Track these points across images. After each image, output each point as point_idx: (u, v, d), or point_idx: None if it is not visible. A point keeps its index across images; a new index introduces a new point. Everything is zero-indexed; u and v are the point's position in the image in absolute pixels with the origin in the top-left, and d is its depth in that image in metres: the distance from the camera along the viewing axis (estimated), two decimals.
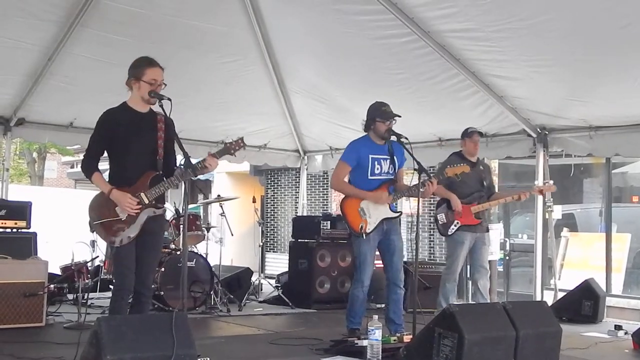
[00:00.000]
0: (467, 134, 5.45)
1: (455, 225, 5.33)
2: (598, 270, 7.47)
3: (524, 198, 5.46)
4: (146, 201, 3.45)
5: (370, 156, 4.59)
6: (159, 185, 3.48)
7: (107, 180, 3.52)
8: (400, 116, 4.58)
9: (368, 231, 4.50)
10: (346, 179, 4.73)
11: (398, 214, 4.67)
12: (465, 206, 5.31)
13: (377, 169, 4.59)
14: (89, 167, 3.51)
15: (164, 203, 3.63)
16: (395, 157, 4.64)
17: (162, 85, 3.53)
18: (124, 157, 3.51)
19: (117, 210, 3.43)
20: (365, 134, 4.72)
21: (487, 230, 5.53)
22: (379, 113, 4.59)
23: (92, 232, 3.65)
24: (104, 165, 3.54)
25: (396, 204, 4.72)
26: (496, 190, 5.96)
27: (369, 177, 4.58)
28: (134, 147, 3.49)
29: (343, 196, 4.74)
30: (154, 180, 3.49)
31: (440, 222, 5.44)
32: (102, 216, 3.45)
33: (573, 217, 8.60)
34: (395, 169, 4.65)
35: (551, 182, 5.67)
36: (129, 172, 3.49)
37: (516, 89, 5.72)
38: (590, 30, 4.58)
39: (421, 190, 4.48)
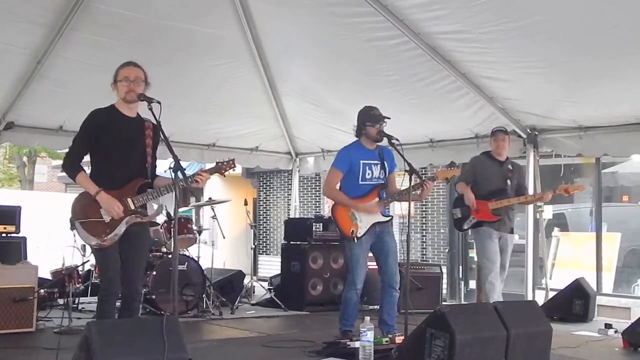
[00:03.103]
0: (492, 133, 5.54)
1: (470, 221, 5.36)
2: (589, 270, 7.51)
3: (547, 198, 5.38)
4: (132, 207, 3.45)
5: (362, 161, 4.61)
6: (147, 193, 3.49)
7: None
8: (389, 118, 4.60)
9: (359, 235, 4.53)
10: (338, 184, 4.75)
11: (389, 218, 4.68)
12: (483, 202, 5.32)
13: (368, 174, 4.62)
14: (73, 166, 3.46)
15: (147, 209, 3.62)
16: (385, 162, 4.67)
17: (138, 83, 3.47)
18: (109, 159, 3.48)
19: (102, 212, 3.41)
20: (356, 138, 4.74)
21: (512, 232, 5.45)
22: (368, 117, 4.61)
23: (72, 230, 3.62)
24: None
25: (388, 208, 4.74)
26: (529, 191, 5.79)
27: (360, 182, 4.61)
28: (120, 151, 3.47)
29: None
30: (142, 188, 3.50)
31: (455, 217, 5.51)
32: (85, 216, 3.42)
33: (564, 217, 8.65)
34: (386, 174, 4.67)
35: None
36: (115, 175, 3.46)
37: (506, 90, 5.75)
38: (579, 32, 4.61)
39: (417, 192, 4.52)
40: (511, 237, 5.46)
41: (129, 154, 3.49)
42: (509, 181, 5.40)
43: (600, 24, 4.46)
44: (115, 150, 3.47)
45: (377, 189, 4.64)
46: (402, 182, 4.61)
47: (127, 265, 3.50)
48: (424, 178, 4.51)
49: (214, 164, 3.76)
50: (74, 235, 3.82)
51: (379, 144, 4.69)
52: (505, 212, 5.35)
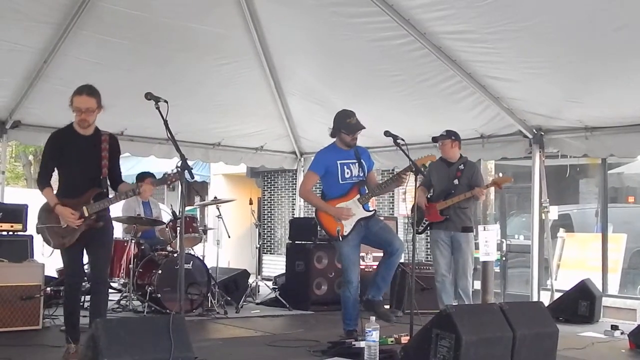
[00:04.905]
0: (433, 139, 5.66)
1: (423, 223, 5.51)
2: (594, 271, 7.48)
3: (480, 195, 5.31)
4: (86, 214, 3.80)
5: (339, 162, 4.69)
6: (101, 201, 3.84)
7: (57, 189, 3.91)
8: (364, 127, 4.65)
9: (345, 234, 4.59)
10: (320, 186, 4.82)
11: (372, 212, 4.74)
12: (432, 204, 5.45)
13: (347, 173, 4.70)
14: (42, 183, 3.93)
15: (105, 216, 3.98)
16: (362, 161, 4.75)
17: (89, 113, 3.79)
18: (69, 174, 3.90)
19: (61, 219, 3.81)
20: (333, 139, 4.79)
21: (466, 230, 5.39)
22: (343, 125, 4.69)
23: (38, 234, 4.00)
24: None
25: (369, 203, 4.79)
26: None
27: (340, 182, 4.69)
28: (77, 166, 3.85)
29: None
30: (97, 197, 3.87)
31: (411, 221, 5.61)
32: (47, 222, 3.88)
33: (569, 218, 8.62)
34: (365, 172, 4.75)
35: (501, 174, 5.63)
36: (74, 187, 3.87)
37: (512, 91, 5.74)
38: (585, 32, 4.61)
39: (395, 183, 4.65)
40: (465, 236, 5.36)
41: (85, 168, 3.87)
42: (456, 181, 5.40)
43: (605, 25, 4.45)
44: (72, 165, 3.87)
45: (357, 186, 4.71)
46: (407, 181, 4.63)
47: (93, 258, 3.96)
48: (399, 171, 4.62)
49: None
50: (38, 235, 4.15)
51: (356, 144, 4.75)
52: (453, 211, 5.34)
